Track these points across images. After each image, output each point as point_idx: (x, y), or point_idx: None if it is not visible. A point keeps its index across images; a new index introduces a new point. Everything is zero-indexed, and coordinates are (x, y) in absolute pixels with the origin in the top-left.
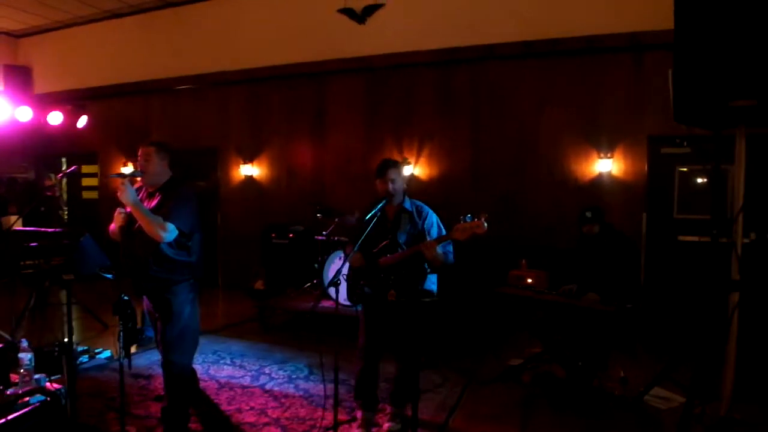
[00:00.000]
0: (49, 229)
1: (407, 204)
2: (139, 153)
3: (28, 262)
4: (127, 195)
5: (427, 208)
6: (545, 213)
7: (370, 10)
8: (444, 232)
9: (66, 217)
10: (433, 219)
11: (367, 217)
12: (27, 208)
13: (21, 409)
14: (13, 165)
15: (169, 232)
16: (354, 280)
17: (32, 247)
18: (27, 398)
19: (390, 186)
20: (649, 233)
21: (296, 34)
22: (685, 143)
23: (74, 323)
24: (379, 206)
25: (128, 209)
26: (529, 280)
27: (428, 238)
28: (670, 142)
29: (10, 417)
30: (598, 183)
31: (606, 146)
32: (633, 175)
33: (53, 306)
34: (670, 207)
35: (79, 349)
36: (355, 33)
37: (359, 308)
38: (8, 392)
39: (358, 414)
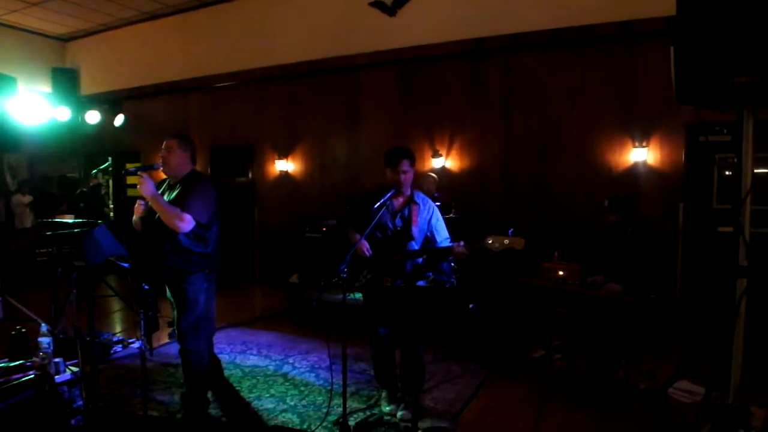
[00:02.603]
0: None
1: (418, 196)
2: (163, 145)
3: (42, 251)
4: (146, 187)
5: (429, 200)
6: (578, 204)
7: (400, 2)
8: (442, 222)
9: (111, 214)
10: (438, 214)
11: (375, 207)
12: (69, 205)
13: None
14: (63, 164)
15: (186, 223)
16: (355, 268)
17: (46, 236)
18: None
19: (401, 177)
20: (686, 224)
21: (328, 29)
22: (725, 131)
23: (115, 315)
24: (388, 196)
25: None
26: (561, 273)
27: (435, 234)
28: (709, 130)
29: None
30: (633, 173)
31: (641, 135)
32: (669, 164)
33: (96, 298)
34: (709, 197)
35: (115, 339)
36: (385, 26)
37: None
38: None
39: (384, 393)
